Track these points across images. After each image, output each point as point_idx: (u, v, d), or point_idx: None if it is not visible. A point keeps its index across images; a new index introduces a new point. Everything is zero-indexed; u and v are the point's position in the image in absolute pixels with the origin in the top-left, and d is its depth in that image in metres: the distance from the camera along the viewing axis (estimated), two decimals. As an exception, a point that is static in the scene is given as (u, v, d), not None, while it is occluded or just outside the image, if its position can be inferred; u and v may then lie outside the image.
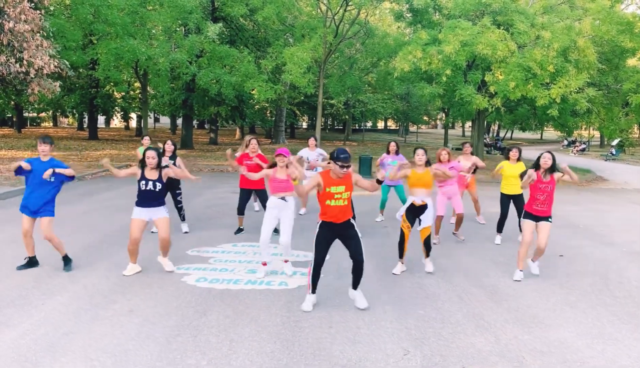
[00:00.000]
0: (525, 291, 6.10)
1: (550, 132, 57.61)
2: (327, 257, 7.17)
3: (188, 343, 4.48)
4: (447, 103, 27.18)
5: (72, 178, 6.39)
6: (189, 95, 26.90)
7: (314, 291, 5.36)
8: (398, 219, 6.65)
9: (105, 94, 33.64)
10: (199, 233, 8.57)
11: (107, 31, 19.61)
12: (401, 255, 6.67)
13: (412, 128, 60.76)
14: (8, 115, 43.18)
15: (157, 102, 34.43)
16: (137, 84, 34.05)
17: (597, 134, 48.35)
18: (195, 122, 43.20)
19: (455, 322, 5.10)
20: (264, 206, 8.19)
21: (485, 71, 19.69)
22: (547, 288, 6.21)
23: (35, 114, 50.29)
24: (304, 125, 63.40)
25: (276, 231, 7.95)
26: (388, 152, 9.56)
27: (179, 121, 42.49)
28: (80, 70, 27.52)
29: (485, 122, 32.20)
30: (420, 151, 6.67)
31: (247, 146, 8.40)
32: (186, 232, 8.55)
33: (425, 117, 56.29)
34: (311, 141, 10.08)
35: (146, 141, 10.05)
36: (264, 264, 6.45)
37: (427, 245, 6.64)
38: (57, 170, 6.15)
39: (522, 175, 6.55)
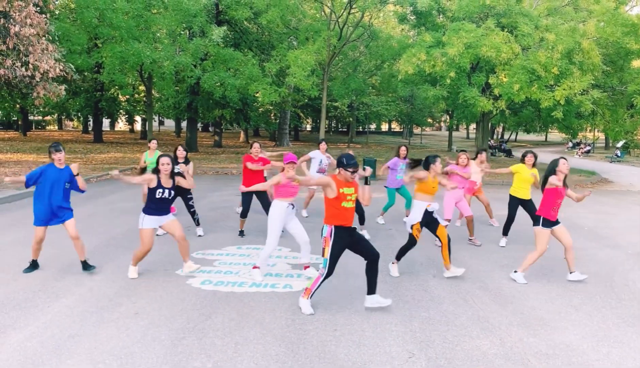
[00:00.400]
0: (530, 293, 6.08)
1: (555, 134, 57.41)
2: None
3: (193, 345, 4.49)
4: (451, 105, 27.18)
5: (83, 191, 6.44)
6: (194, 98, 26.98)
7: (311, 297, 5.36)
8: (409, 230, 6.53)
9: (110, 97, 33.78)
10: (204, 236, 8.59)
11: (112, 35, 19.68)
12: (399, 258, 6.66)
13: (416, 130, 60.71)
14: (13, 118, 43.43)
15: (162, 105, 34.54)
16: (142, 87, 34.21)
17: (602, 136, 48.15)
18: (199, 125, 43.36)
19: (460, 324, 5.10)
20: (266, 210, 8.26)
21: (489, 73, 19.68)
22: (552, 291, 6.20)
23: (40, 118, 50.56)
24: (308, 128, 63.49)
25: None
26: (398, 156, 9.60)
27: (184, 124, 42.65)
28: (85, 73, 27.66)
29: (490, 125, 32.13)
30: (439, 160, 6.68)
31: (251, 147, 8.65)
32: (200, 235, 8.58)
33: (429, 120, 56.28)
34: (322, 145, 10.17)
35: (153, 144, 10.09)
36: (256, 267, 6.42)
37: (449, 246, 6.51)
38: (78, 179, 6.26)
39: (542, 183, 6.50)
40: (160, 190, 6.09)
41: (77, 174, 6.33)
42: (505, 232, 8.56)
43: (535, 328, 5.04)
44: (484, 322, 5.18)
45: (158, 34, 22.03)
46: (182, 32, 23.07)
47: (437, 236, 6.54)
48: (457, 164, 8.66)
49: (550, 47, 17.75)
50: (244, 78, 21.40)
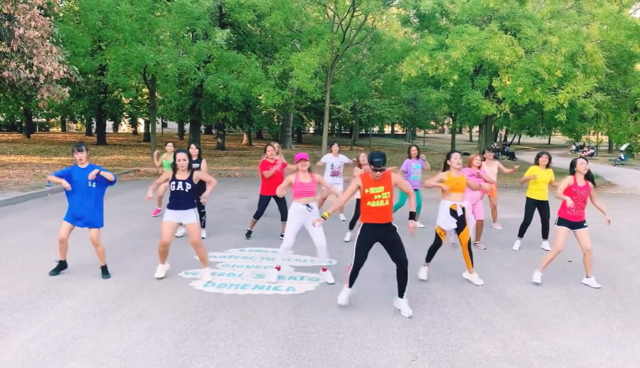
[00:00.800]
0: (533, 296, 6.07)
1: (558, 137, 57.32)
2: (334, 262, 7.19)
3: (196, 347, 4.49)
4: (454, 108, 27.13)
5: (113, 182, 6.37)
6: (197, 100, 27.02)
7: (350, 286, 5.49)
8: (444, 227, 6.38)
9: (114, 100, 33.85)
10: (207, 238, 8.60)
11: (115, 37, 19.71)
12: (429, 259, 6.60)
13: (419, 133, 60.68)
14: (17, 120, 43.54)
15: (165, 107, 34.59)
16: (145, 90, 34.28)
17: (605, 139, 48.11)
18: (202, 127, 43.39)
19: (463, 327, 5.09)
20: (284, 216, 8.35)
21: (492, 76, 19.65)
22: (555, 294, 6.18)
23: (44, 120, 50.68)
24: (311, 130, 63.49)
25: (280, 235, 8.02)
26: (410, 156, 9.60)
27: (187, 126, 42.74)
28: (89, 76, 27.72)
29: (493, 127, 32.10)
30: (456, 155, 6.47)
31: (265, 151, 8.64)
32: (203, 238, 8.59)
33: (432, 122, 56.23)
34: (334, 147, 10.18)
35: (169, 147, 10.11)
36: (278, 268, 6.45)
37: (470, 251, 6.47)
38: (102, 173, 6.17)
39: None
40: (174, 183, 6.13)
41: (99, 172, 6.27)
42: (521, 234, 8.55)
43: (539, 332, 5.03)
44: (487, 325, 5.17)
45: (162, 37, 22.04)
46: (186, 35, 23.11)
47: (459, 239, 6.49)
48: (470, 166, 8.43)
49: (554, 50, 17.72)
50: (247, 81, 21.42)
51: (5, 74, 12.51)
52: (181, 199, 6.17)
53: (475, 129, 57.66)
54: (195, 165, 6.48)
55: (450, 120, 47.43)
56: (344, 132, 63.28)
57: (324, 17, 25.77)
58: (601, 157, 39.81)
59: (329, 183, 9.80)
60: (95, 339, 4.60)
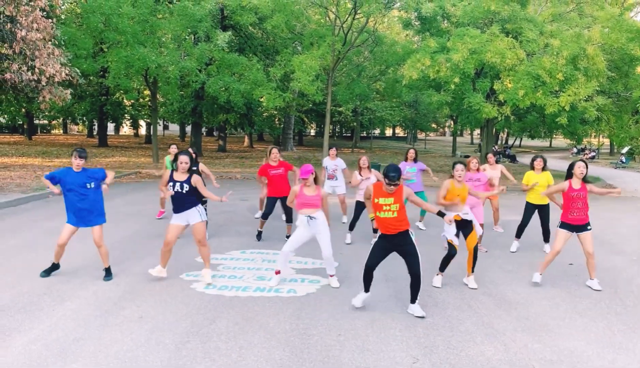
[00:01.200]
0: (535, 299, 6.07)
1: (560, 140, 57.33)
2: (336, 264, 7.20)
3: (197, 349, 4.50)
4: (456, 111, 27.15)
5: (104, 176, 6.40)
6: (198, 103, 27.06)
7: (366, 291, 5.55)
8: (446, 237, 6.34)
9: (115, 102, 33.92)
10: (208, 240, 8.59)
11: (117, 39, 19.75)
12: (443, 269, 6.52)
13: (420, 135, 60.69)
14: (19, 122, 43.63)
15: (167, 109, 34.64)
16: (147, 92, 34.26)
17: (606, 141, 48.06)
18: (204, 129, 43.45)
19: (465, 330, 5.08)
20: (289, 218, 8.56)
21: (494, 79, 19.64)
22: (556, 297, 6.18)
23: (45, 122, 50.78)
24: (312, 132, 63.56)
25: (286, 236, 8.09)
26: (406, 159, 9.60)
27: (188, 129, 42.74)
28: (91, 78, 27.76)
29: (494, 130, 32.10)
30: (459, 167, 6.53)
31: (269, 155, 8.74)
32: None
33: (433, 125, 56.24)
34: (332, 151, 10.22)
35: (173, 149, 10.10)
36: (277, 272, 6.44)
37: (475, 255, 6.44)
38: (107, 180, 6.35)
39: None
40: (171, 184, 6.14)
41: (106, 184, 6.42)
42: (518, 235, 8.54)
43: (540, 334, 5.03)
44: (488, 327, 5.17)
45: (163, 39, 22.06)
46: (187, 37, 23.16)
47: (466, 243, 6.49)
48: (469, 170, 8.38)
49: (555, 53, 17.72)
50: (248, 83, 21.44)
51: (8, 76, 12.53)
52: (181, 200, 6.18)
53: (477, 131, 57.72)
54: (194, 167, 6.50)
55: (452, 123, 47.50)
56: (345, 134, 63.33)
57: (326, 20, 25.79)
58: (602, 160, 39.78)
59: (326, 186, 9.91)
60: (96, 341, 4.60)
